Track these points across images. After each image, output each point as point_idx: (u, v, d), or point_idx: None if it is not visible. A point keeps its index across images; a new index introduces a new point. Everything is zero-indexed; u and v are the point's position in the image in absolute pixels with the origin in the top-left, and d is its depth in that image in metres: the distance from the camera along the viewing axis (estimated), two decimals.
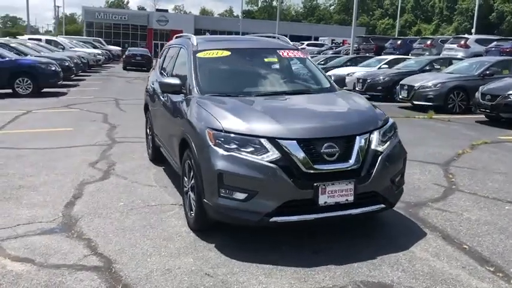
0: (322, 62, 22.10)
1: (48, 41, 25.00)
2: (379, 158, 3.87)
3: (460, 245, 4.01)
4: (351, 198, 3.74)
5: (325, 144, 3.70)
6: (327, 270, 3.53)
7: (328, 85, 5.08)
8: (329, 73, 18.65)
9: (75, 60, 19.77)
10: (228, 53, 5.09)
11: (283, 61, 5.29)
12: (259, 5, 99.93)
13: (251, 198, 3.62)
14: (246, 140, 3.68)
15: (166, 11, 68.92)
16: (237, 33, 58.71)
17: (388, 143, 4.03)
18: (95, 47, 35.56)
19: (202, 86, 4.64)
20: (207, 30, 67.81)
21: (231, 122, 3.82)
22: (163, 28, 64.78)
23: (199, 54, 5.01)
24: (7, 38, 24.40)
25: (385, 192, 3.95)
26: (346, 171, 3.74)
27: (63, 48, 24.43)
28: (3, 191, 5.32)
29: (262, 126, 3.76)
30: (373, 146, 3.89)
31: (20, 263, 3.61)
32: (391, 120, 4.29)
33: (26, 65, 14.51)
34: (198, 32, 66.31)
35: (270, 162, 3.59)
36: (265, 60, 5.22)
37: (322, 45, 44.57)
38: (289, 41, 5.68)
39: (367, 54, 25.90)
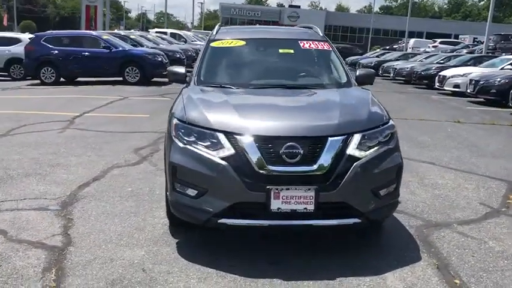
0: (442, 61, 20.33)
1: (172, 35, 26.75)
2: (354, 165, 3.35)
3: (452, 279, 3.31)
4: (310, 207, 3.29)
5: (286, 144, 3.29)
6: (270, 284, 3.17)
7: (343, 80, 4.57)
8: (442, 73, 17.13)
9: (189, 53, 20.88)
10: (243, 42, 4.86)
11: (301, 52, 4.87)
12: (399, 1, 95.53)
13: (201, 195, 3.38)
14: (204, 133, 3.44)
15: (299, 7, 69.28)
16: (368, 29, 56.93)
17: (374, 148, 3.47)
18: None
19: (202, 76, 4.50)
20: (338, 26, 66.90)
21: (195, 114, 3.62)
22: (294, 24, 65.31)
23: (213, 44, 4.87)
24: (131, 30, 26.62)
25: (361, 205, 3.41)
26: (307, 176, 3.30)
27: (185, 41, 25.96)
28: (41, 166, 5.76)
29: (224, 121, 3.48)
30: (349, 151, 3.37)
31: None
32: (389, 124, 3.70)
33: (135, 55, 15.67)
34: (328, 28, 65.79)
35: (222, 158, 3.31)
36: (280, 51, 4.87)
37: (457, 43, 41.08)
38: (319, 32, 5.23)
39: (504, 54, 23.12)
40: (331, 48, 4.93)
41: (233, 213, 3.35)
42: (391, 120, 3.76)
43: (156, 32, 26.02)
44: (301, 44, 4.88)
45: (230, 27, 5.63)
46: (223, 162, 3.29)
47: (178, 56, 18.62)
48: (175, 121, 3.64)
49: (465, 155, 7.10)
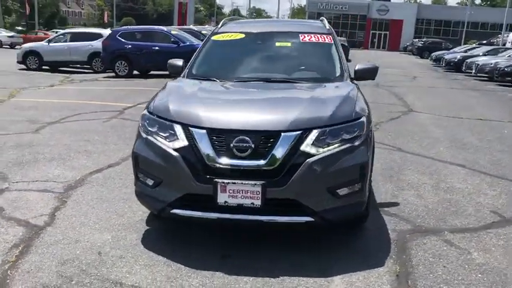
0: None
1: None
2: (306, 161, 3.23)
3: None
4: (257, 203, 3.23)
5: (237, 138, 3.26)
6: (211, 276, 3.17)
7: (336, 75, 4.39)
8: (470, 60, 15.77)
9: None
10: (242, 35, 4.86)
11: (298, 46, 4.76)
12: None
13: (157, 185, 3.46)
14: (164, 124, 3.51)
15: (389, 0, 66.75)
16: (463, 23, 53.40)
17: (335, 145, 3.32)
18: None
19: (195, 69, 4.58)
20: (431, 20, 63.57)
21: (160, 105, 3.70)
22: (383, 18, 63.21)
23: (214, 37, 4.95)
24: (205, 26, 27.31)
25: (314, 203, 3.28)
26: (254, 171, 3.24)
27: None
28: (68, 152, 6.19)
29: (183, 113, 3.52)
30: (303, 147, 3.25)
31: None
32: (358, 121, 3.50)
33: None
34: (420, 22, 62.76)
35: (175, 150, 3.36)
36: (277, 44, 4.79)
37: None
38: (326, 24, 5.06)
39: None
40: (332, 41, 4.75)
41: (184, 205, 3.39)
42: (363, 118, 3.56)
43: None
44: (301, 37, 4.77)
45: (238, 21, 5.63)
46: (176, 154, 3.34)
47: None
48: (143, 112, 3.75)
49: (506, 159, 6.48)
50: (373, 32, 63.98)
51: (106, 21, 64.18)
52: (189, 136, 3.36)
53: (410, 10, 63.93)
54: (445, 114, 10.19)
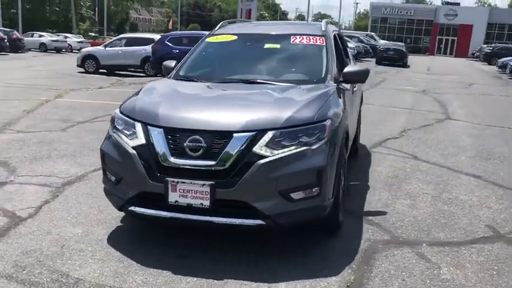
0: None
1: None
2: (256, 163, 3.16)
3: None
4: (206, 203, 3.21)
5: (190, 137, 3.26)
6: (155, 274, 3.18)
7: (318, 77, 4.26)
8: None
9: None
10: (234, 37, 4.88)
11: (287, 48, 4.68)
12: None
13: (118, 182, 3.54)
14: (128, 123, 3.58)
15: (458, 4, 63.91)
16: None
17: (290, 148, 3.23)
18: (360, 41, 36.54)
19: (182, 70, 4.65)
20: (504, 24, 60.18)
21: (129, 104, 3.79)
22: (451, 23, 60.65)
23: (208, 39, 5.01)
24: None
25: (265, 206, 3.20)
26: (205, 171, 3.22)
27: None
28: (82, 150, 6.45)
29: (145, 112, 3.57)
30: (255, 148, 3.19)
31: None
32: (319, 124, 3.37)
33: None
34: (492, 26, 59.67)
35: (134, 148, 3.41)
36: (265, 46, 4.73)
37: None
38: (323, 26, 4.92)
39: None
40: (324, 43, 4.63)
41: (140, 202, 3.44)
42: (326, 121, 3.43)
43: None
44: (292, 39, 4.69)
45: (238, 23, 5.60)
46: (133, 151, 3.40)
47: None
48: (115, 111, 3.85)
49: None
50: (440, 37, 61.53)
51: (171, 27, 66.42)
52: (147, 135, 3.40)
53: (482, 14, 60.79)
54: (484, 123, 9.60)
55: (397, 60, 29.30)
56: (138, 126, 3.47)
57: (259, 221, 3.24)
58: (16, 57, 27.87)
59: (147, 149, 3.37)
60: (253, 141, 3.22)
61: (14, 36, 32.35)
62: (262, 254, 3.50)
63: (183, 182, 3.23)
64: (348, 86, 4.53)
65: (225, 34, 4.95)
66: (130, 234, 3.88)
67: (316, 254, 3.56)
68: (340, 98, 3.99)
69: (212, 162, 3.22)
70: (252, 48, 4.84)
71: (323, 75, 4.28)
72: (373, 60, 31.94)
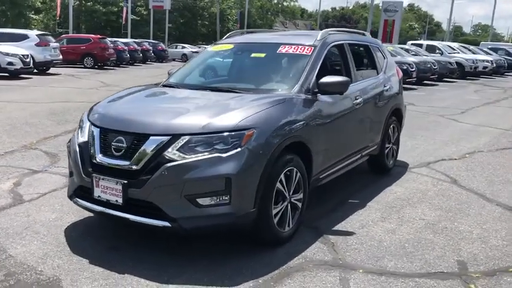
0: None
1: (430, 47, 25.45)
2: (163, 166, 3.26)
3: None
4: (120, 200, 3.40)
5: (116, 138, 3.50)
6: (70, 256, 3.47)
7: (286, 87, 4.16)
8: None
9: (428, 65, 19.67)
10: (231, 46, 5.00)
11: (271, 57, 4.60)
12: None
13: (71, 175, 3.91)
14: (84, 122, 3.94)
15: None
16: None
17: (203, 153, 3.27)
18: (507, 54, 33.18)
19: (172, 77, 4.91)
20: None
21: (95, 106, 4.15)
22: None
23: (210, 47, 5.19)
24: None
25: (171, 209, 3.27)
26: (120, 170, 3.42)
27: (441, 53, 24.34)
28: None
29: (96, 112, 3.92)
30: (167, 152, 3.30)
31: None
32: (237, 133, 3.34)
33: None
34: None
35: (78, 144, 3.77)
36: (252, 55, 4.73)
37: None
38: (319, 36, 4.73)
39: None
40: (310, 53, 4.47)
41: (80, 195, 3.75)
42: (247, 131, 3.38)
43: (412, 44, 25.25)
44: (280, 48, 4.62)
45: (246, 35, 5.61)
46: (77, 148, 3.75)
47: (405, 67, 17.89)
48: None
49: None
50: None
51: None
52: (90, 133, 3.72)
53: None
54: None
55: None
56: (87, 125, 3.82)
57: (165, 223, 3.32)
58: (158, 66, 30.92)
59: (87, 147, 3.69)
60: (167, 145, 3.33)
61: (159, 47, 36.00)
62: (170, 252, 3.56)
63: (103, 179, 3.48)
64: (327, 98, 4.30)
65: (226, 43, 5.07)
66: (91, 223, 4.20)
67: (233, 262, 3.49)
68: (295, 108, 3.86)
69: (127, 162, 3.41)
70: (240, 57, 4.91)
71: (291, 85, 4.16)
72: None
